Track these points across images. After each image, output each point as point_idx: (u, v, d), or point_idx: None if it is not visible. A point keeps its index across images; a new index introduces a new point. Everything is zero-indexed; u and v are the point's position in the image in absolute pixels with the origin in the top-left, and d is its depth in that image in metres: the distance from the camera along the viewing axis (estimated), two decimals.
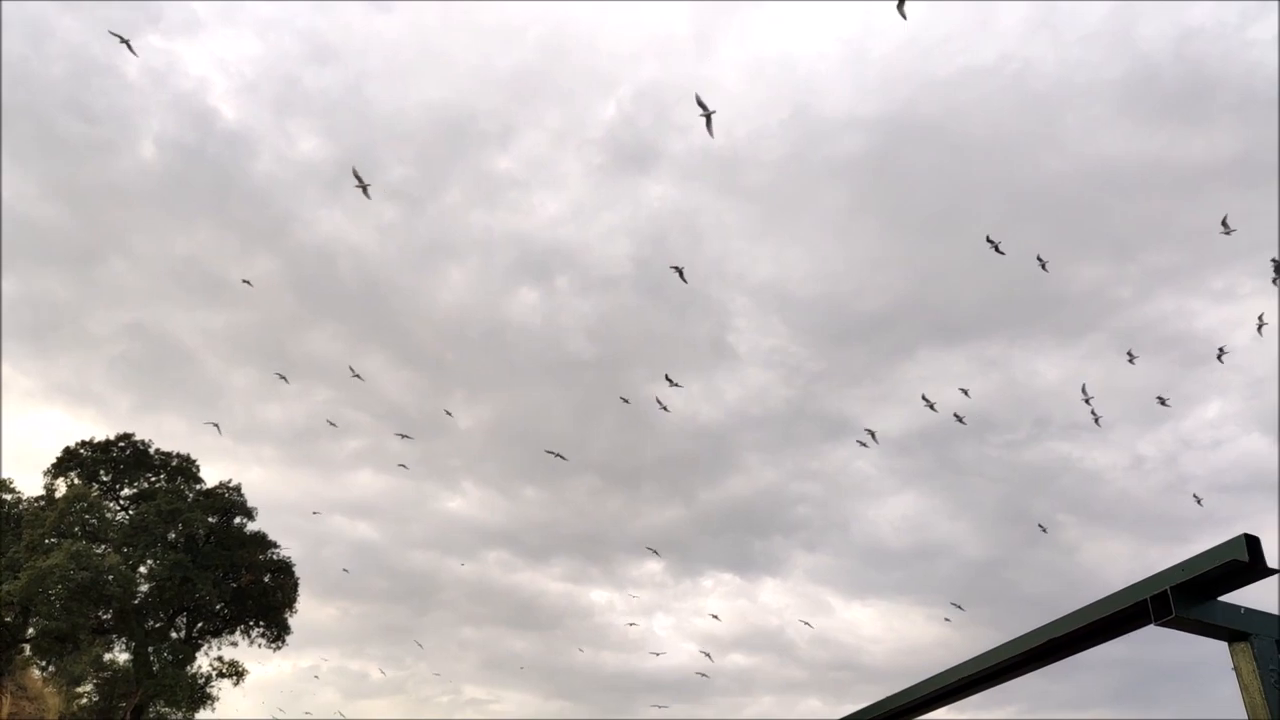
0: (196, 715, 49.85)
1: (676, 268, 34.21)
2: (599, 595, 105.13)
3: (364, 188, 31.24)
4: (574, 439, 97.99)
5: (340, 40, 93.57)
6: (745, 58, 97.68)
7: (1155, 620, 3.42)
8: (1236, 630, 3.42)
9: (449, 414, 50.03)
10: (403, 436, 50.84)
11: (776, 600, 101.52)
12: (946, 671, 4.52)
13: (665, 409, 40.19)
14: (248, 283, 48.32)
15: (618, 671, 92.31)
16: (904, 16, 26.32)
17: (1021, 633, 4.03)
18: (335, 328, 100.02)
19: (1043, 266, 32.00)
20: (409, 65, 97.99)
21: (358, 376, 44.57)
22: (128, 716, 44.17)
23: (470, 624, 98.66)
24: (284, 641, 48.89)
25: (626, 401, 44.08)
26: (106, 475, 46.52)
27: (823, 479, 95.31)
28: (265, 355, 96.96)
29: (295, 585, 48.73)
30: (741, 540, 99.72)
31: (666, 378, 38.60)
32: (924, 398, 33.63)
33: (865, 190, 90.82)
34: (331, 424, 50.34)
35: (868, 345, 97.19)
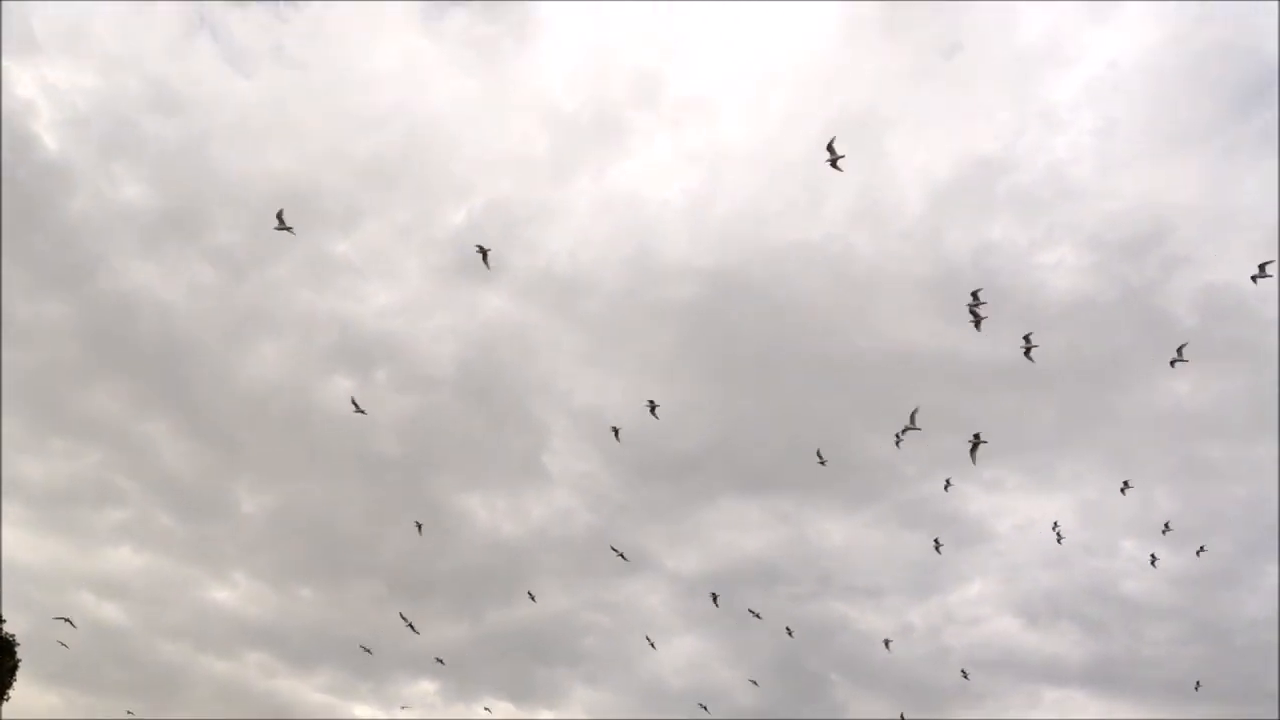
0: None
1: (481, 248, 35.63)
2: (362, 712, 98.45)
3: (286, 229, 32.28)
4: (365, 540, 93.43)
5: (190, 93, 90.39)
6: (597, 190, 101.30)
7: None
8: None
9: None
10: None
11: None
12: None
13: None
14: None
15: None
16: (839, 169, 31.71)
17: None
18: (122, 385, 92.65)
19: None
20: (259, 131, 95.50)
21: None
22: None
23: None
24: None
25: (420, 526, 43.11)
26: None
27: (613, 612, 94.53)
28: (36, 403, 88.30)
29: (14, 667, 43.33)
30: (524, 666, 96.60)
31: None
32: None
33: (690, 337, 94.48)
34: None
35: (674, 485, 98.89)
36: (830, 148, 32.54)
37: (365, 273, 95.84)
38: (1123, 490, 41.46)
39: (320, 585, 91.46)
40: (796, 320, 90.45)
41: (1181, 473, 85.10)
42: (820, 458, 34.72)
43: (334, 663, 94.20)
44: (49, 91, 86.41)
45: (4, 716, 43.91)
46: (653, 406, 36.64)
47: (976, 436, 35.22)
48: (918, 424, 35.31)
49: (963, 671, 46.65)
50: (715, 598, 47.23)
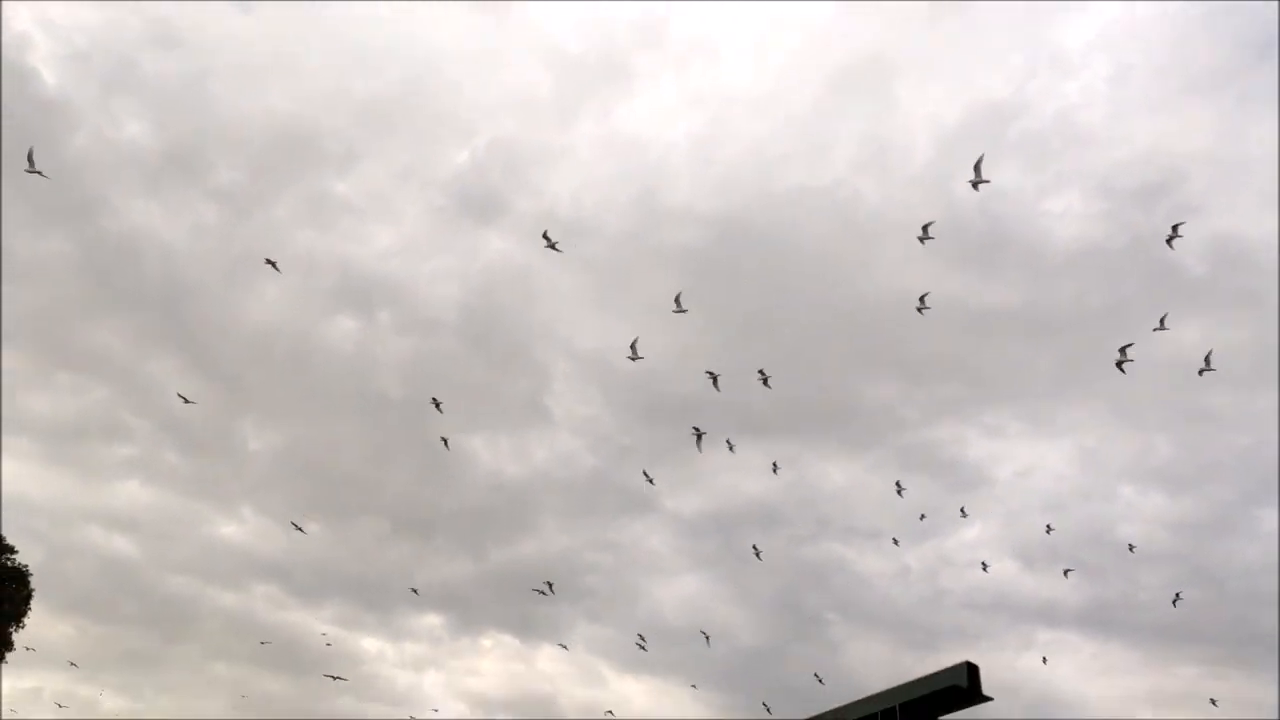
0: None
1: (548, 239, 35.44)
2: (370, 643, 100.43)
3: (36, 172, 32.27)
4: (369, 479, 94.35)
5: (190, 30, 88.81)
6: (601, 131, 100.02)
7: None
8: None
9: (299, 529, 46.29)
10: (185, 399, 47.57)
11: (552, 667, 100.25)
12: None
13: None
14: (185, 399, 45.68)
15: None
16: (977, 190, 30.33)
17: None
18: (127, 324, 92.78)
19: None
20: (259, 69, 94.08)
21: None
22: None
23: (224, 659, 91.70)
24: (3, 658, 44.05)
25: (446, 441, 43.74)
26: None
27: (616, 551, 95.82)
28: (40, 340, 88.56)
29: (28, 596, 44.22)
30: (526, 603, 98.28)
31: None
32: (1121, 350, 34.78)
33: (693, 281, 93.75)
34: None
35: (675, 428, 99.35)
36: (976, 168, 31.74)
37: (366, 214, 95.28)
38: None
39: (326, 522, 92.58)
40: (800, 266, 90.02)
41: (1182, 421, 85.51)
42: (763, 376, 35.01)
43: (341, 596, 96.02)
44: (47, 27, 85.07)
45: (19, 644, 44.90)
46: (714, 378, 35.99)
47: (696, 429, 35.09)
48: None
49: (1048, 526, 45.45)
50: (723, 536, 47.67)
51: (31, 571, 44.67)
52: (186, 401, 46.60)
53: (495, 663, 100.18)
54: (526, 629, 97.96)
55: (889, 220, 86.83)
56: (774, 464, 36.18)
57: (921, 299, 32.57)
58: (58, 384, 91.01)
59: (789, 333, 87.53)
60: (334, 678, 72.86)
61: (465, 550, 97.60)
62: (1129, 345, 35.87)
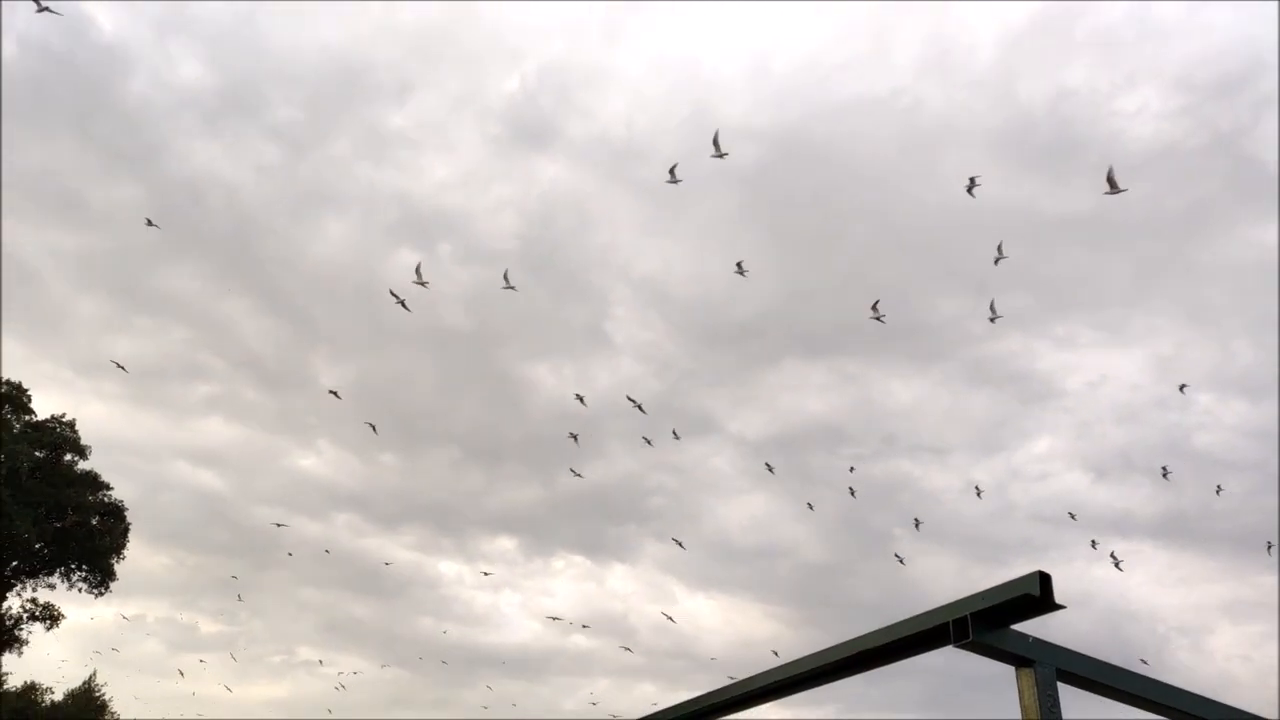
0: (1, 659, 46.92)
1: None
2: (448, 567, 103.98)
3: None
4: (439, 409, 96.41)
5: None
6: (651, 51, 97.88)
7: (954, 642, 3.75)
8: (1023, 657, 3.78)
9: (335, 395, 46.42)
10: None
11: (623, 586, 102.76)
12: (767, 672, 4.79)
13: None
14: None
15: (458, 644, 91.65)
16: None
17: (848, 636, 4.33)
18: (197, 266, 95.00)
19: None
20: (310, 4, 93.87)
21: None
22: None
23: (311, 585, 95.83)
24: (108, 588, 46.61)
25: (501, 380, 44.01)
26: None
27: (680, 473, 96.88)
28: (118, 285, 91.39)
29: (125, 530, 46.53)
30: (596, 525, 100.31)
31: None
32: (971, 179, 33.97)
33: (750, 200, 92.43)
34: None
35: (736, 350, 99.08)
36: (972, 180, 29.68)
37: (422, 146, 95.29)
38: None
39: (399, 452, 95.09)
40: (860, 178, 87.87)
41: (1262, 325, 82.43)
42: (876, 312, 33.36)
43: (418, 522, 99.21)
44: None
45: (117, 572, 47.36)
46: (740, 268, 33.25)
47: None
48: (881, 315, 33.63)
49: (1164, 470, 44.55)
50: (770, 468, 47.76)
51: (127, 506, 46.95)
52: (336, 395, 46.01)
53: (568, 583, 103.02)
54: (596, 549, 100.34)
55: (952, 127, 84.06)
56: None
57: (972, 180, 30.81)
58: (137, 327, 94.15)
59: (850, 246, 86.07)
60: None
61: (534, 475, 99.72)
62: None
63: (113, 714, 58.44)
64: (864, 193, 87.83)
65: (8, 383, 44.72)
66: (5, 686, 57.52)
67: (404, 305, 33.77)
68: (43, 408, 45.93)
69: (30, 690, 57.62)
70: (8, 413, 43.95)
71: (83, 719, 56.12)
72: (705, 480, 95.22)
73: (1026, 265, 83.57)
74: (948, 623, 3.74)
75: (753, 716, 5.30)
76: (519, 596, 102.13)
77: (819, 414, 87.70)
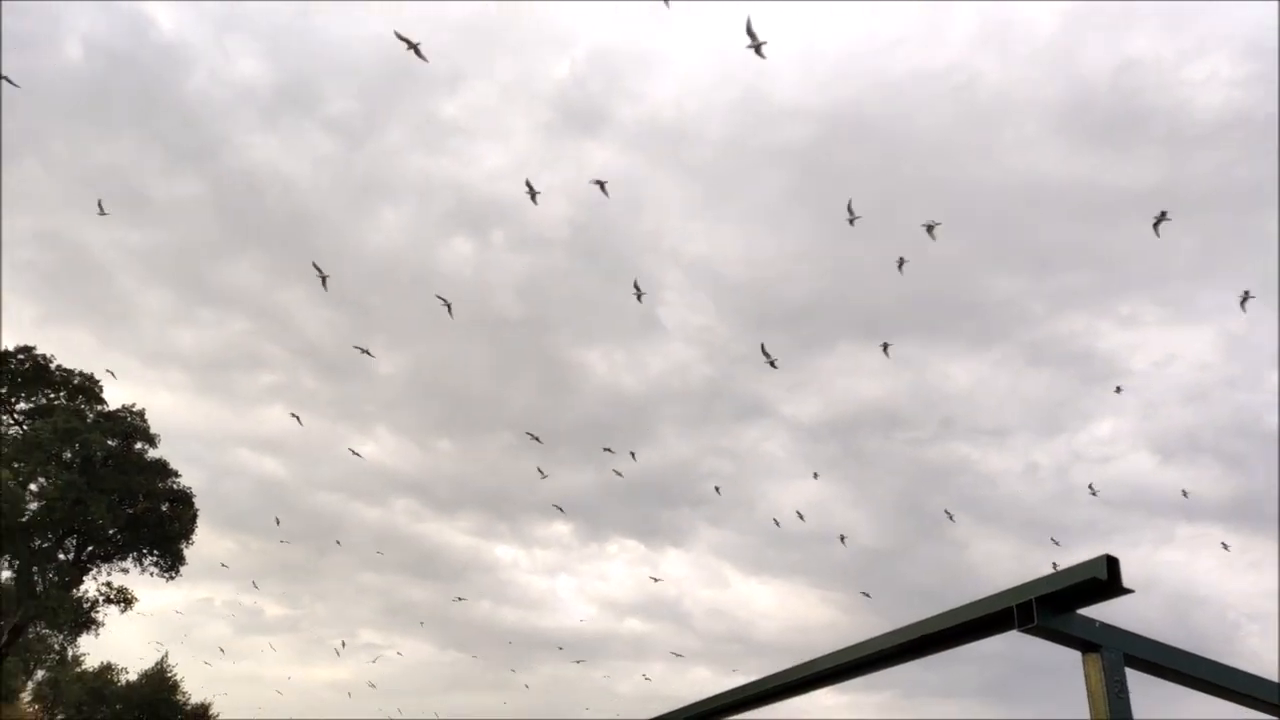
0: (79, 639, 48.66)
1: (599, 182, 34.39)
2: (504, 551, 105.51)
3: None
4: (494, 396, 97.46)
5: None
6: (700, 33, 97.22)
7: (1018, 626, 3.68)
8: (1089, 642, 3.70)
9: (368, 354, 47.22)
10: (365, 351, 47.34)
11: (678, 570, 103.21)
12: (825, 657, 4.76)
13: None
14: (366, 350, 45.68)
15: (515, 627, 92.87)
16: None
17: (905, 622, 4.28)
18: (257, 258, 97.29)
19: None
20: None
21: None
22: (6, 636, 42.84)
23: (371, 569, 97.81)
24: (178, 572, 48.00)
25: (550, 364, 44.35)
26: (2, 387, 44.68)
27: (734, 458, 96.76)
28: (182, 278, 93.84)
29: (194, 516, 47.79)
30: (650, 510, 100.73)
31: None
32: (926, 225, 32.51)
33: (802, 181, 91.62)
34: (364, 350, 47.56)
35: (790, 333, 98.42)
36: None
37: (475, 134, 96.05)
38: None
39: (456, 438, 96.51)
40: (915, 156, 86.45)
41: None
42: (851, 212, 31.70)
43: (474, 507, 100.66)
44: None
45: (186, 556, 48.70)
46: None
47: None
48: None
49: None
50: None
51: (195, 493, 48.26)
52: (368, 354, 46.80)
53: (622, 567, 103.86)
54: (650, 534, 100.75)
55: (1011, 101, 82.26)
56: (884, 345, 33.69)
57: (929, 228, 29.64)
58: (201, 319, 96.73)
59: (904, 225, 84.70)
60: (459, 599, 76.67)
61: (588, 460, 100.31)
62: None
63: (183, 694, 60.36)
64: (919, 171, 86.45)
65: (81, 374, 46.23)
66: (83, 666, 59.69)
67: (449, 308, 34.15)
68: (112, 398, 47.45)
69: (106, 670, 59.73)
70: (81, 403, 45.43)
71: (156, 699, 58.05)
72: (759, 465, 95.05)
73: (1087, 241, 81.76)
74: (1012, 607, 3.68)
75: (810, 701, 5.28)
76: (574, 581, 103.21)
77: (874, 397, 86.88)
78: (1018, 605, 3.68)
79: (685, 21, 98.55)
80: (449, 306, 35.06)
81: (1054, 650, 3.86)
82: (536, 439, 41.85)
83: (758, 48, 26.39)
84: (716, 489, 47.05)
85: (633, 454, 43.85)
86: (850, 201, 29.88)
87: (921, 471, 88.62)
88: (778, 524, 49.44)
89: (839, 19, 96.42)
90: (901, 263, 29.64)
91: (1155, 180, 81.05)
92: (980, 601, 3.84)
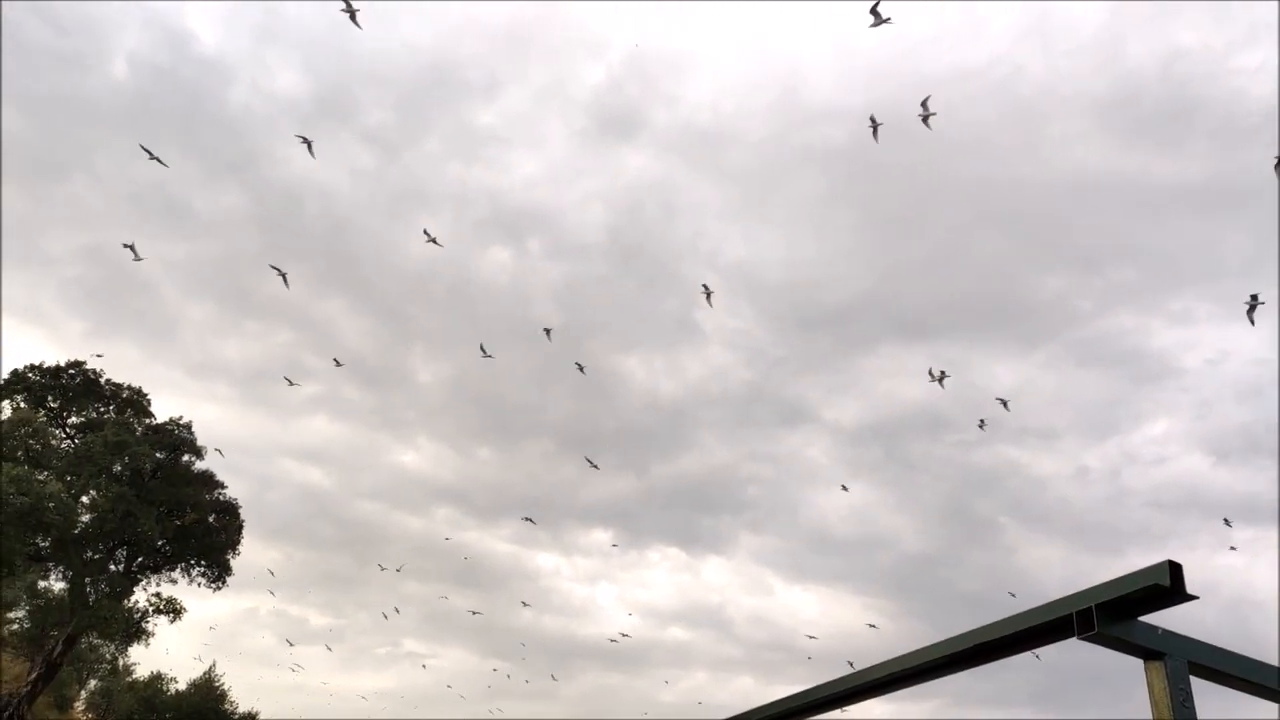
0: (130, 649, 49.50)
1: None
2: (545, 559, 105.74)
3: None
4: (533, 403, 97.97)
5: None
6: (735, 34, 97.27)
7: (1078, 634, 3.58)
8: (1152, 650, 3.59)
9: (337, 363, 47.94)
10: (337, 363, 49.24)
11: (719, 578, 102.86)
12: (875, 666, 4.67)
13: None
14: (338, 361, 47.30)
15: (558, 635, 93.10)
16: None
17: (952, 628, 4.19)
18: (298, 269, 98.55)
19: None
20: (397, 7, 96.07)
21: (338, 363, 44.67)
22: (59, 645, 43.74)
23: (414, 578, 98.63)
24: (224, 582, 48.65)
25: (581, 367, 44.61)
26: (54, 401, 45.71)
27: (775, 463, 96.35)
28: (226, 290, 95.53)
29: (240, 527, 48.44)
30: (690, 517, 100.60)
31: None
32: (931, 371, 32.71)
33: (841, 181, 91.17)
34: (290, 381, 48.37)
35: (831, 335, 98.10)
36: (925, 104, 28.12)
37: (510, 142, 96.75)
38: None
39: (495, 445, 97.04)
40: (956, 153, 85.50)
41: None
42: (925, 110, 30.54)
43: (514, 515, 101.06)
44: None
45: (232, 567, 49.37)
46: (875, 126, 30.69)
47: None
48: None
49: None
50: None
51: (240, 504, 48.92)
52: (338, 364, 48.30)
53: (663, 575, 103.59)
54: (691, 541, 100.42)
55: (1055, 95, 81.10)
56: (934, 371, 33.02)
57: (925, 105, 28.95)
58: (246, 331, 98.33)
59: (946, 225, 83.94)
60: (474, 612, 76.52)
61: (628, 467, 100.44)
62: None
63: (231, 702, 61.18)
64: (960, 168, 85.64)
65: (129, 388, 47.14)
66: (134, 676, 60.72)
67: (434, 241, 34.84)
68: (160, 410, 48.35)
69: (156, 679, 60.69)
70: (130, 416, 46.31)
71: (204, 707, 58.86)
72: (801, 470, 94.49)
73: (1136, 237, 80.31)
74: (1071, 614, 3.57)
75: (859, 710, 5.19)
76: (615, 588, 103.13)
77: (918, 400, 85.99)
78: (1077, 612, 3.58)
79: (720, 23, 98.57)
80: (434, 240, 35.98)
81: (1108, 657, 3.76)
82: (594, 465, 42.11)
83: (881, 20, 26.72)
84: (754, 487, 46.57)
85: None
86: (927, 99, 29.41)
87: (967, 475, 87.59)
88: (822, 522, 48.97)
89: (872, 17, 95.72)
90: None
91: (1203, 173, 79.52)
92: (1038, 609, 3.74)
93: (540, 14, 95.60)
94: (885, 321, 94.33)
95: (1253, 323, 31.13)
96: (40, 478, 40.82)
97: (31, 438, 42.81)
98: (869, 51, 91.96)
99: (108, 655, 56.72)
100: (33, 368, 45.60)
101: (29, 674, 44.15)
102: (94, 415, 46.32)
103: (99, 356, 45.10)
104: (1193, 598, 3.45)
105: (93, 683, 59.35)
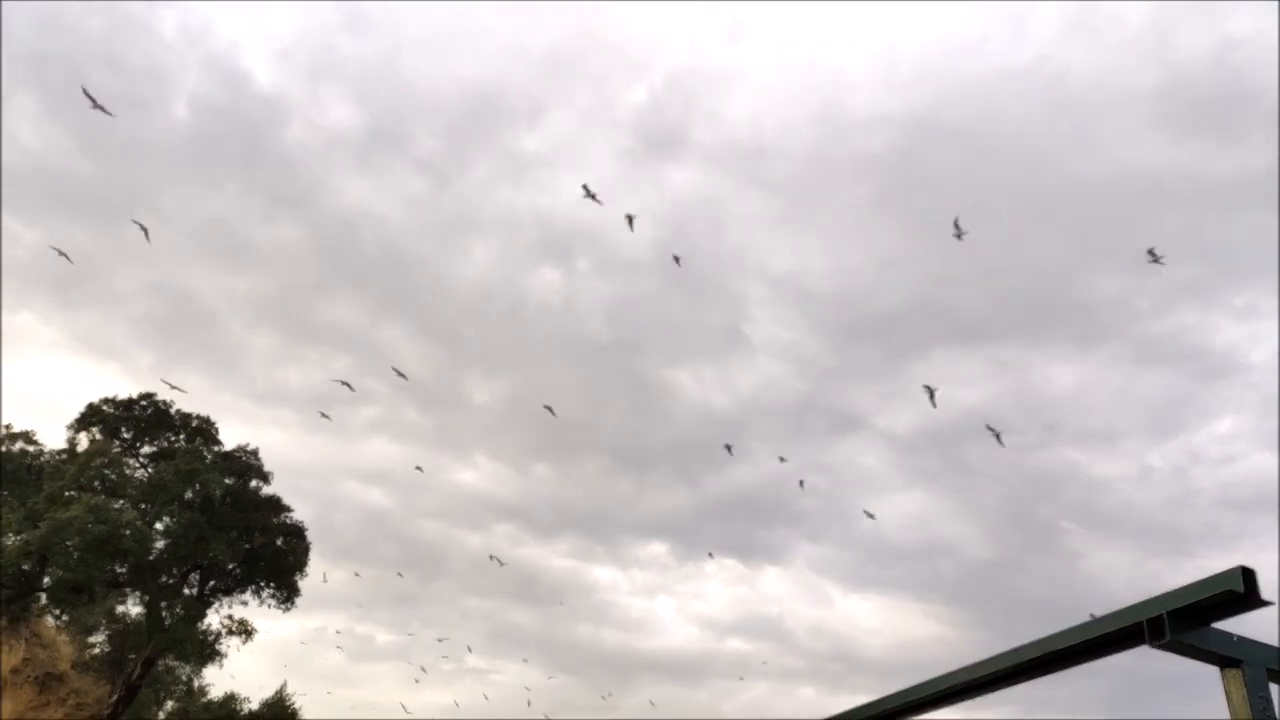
0: (204, 670, 50.65)
1: (675, 256, 35.33)
2: (603, 573, 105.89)
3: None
4: (587, 420, 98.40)
5: (378, 9, 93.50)
6: (775, 48, 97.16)
7: (1151, 642, 3.57)
8: (1229, 657, 3.55)
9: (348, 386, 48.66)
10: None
11: (777, 588, 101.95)
12: (944, 676, 4.67)
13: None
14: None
15: (617, 649, 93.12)
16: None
17: (1016, 636, 4.19)
18: (356, 297, 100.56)
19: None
20: (444, 37, 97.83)
21: (401, 375, 45.78)
22: (138, 668, 44.96)
23: (475, 595, 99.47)
24: (293, 603, 49.58)
25: (729, 450, 45.12)
26: (128, 432, 47.12)
27: (830, 472, 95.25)
28: (287, 320, 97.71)
29: (307, 549, 49.37)
30: (745, 528, 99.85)
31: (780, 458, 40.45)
32: (926, 387, 32.95)
33: (887, 188, 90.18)
34: (344, 384, 49.01)
35: (882, 343, 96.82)
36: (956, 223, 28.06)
37: (556, 164, 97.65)
38: None
39: (552, 462, 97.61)
40: (1004, 154, 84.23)
41: None
42: (958, 229, 30.14)
43: (572, 530, 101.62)
44: (254, 28, 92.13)
45: (300, 588, 50.27)
46: None
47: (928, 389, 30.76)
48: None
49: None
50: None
51: (307, 526, 49.92)
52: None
53: (721, 586, 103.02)
54: (748, 552, 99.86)
55: (1103, 90, 79.50)
56: (929, 387, 32.53)
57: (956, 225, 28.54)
58: (306, 358, 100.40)
59: (998, 227, 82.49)
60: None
61: (682, 480, 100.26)
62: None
63: None
64: (1009, 169, 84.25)
65: (198, 417, 48.47)
66: (209, 697, 62.15)
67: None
68: (227, 437, 49.58)
69: (230, 700, 62.03)
70: (199, 444, 47.60)
71: None
72: (856, 479, 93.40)
73: (1194, 232, 78.19)
74: (1142, 621, 3.57)
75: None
76: (673, 601, 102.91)
77: (975, 404, 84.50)
78: (1148, 620, 3.58)
79: (760, 38, 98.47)
80: (593, 196, 35.69)
81: (1184, 661, 3.72)
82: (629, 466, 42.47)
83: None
84: (801, 483, 46.39)
85: (728, 447, 43.96)
86: (957, 219, 29.00)
87: (1028, 480, 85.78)
88: (870, 517, 48.82)
89: (917, 21, 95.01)
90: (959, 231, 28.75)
91: (1265, 164, 77.09)
92: (1109, 616, 3.74)
93: (581, 39, 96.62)
94: (937, 326, 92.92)
95: None
96: (116, 506, 42.12)
97: (107, 468, 44.22)
98: (910, 60, 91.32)
99: (183, 677, 58.08)
100: (107, 400, 47.12)
101: (110, 696, 45.43)
102: (166, 444, 47.67)
103: (181, 391, 46.32)
104: (1267, 603, 3.43)
105: (169, 704, 60.83)
